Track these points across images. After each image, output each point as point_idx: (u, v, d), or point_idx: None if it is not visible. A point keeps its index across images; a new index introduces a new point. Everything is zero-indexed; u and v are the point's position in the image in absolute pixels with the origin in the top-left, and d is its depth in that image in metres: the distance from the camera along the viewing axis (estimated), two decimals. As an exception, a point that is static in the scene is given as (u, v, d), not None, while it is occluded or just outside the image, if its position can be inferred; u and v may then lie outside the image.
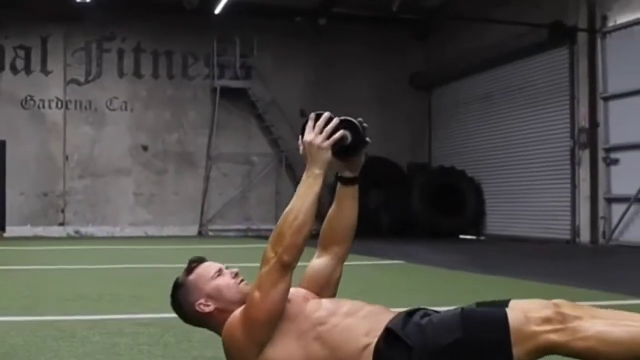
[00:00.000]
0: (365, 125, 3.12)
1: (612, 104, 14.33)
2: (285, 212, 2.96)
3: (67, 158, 18.78)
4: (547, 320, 2.75)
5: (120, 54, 19.16)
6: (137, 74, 19.23)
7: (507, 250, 13.75)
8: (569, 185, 15.33)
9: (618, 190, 14.15)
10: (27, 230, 18.31)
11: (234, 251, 13.93)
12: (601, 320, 2.78)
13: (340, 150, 3.06)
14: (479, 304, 3.02)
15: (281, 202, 19.64)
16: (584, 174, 14.86)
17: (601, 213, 14.47)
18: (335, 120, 3.05)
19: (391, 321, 2.97)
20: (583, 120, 14.89)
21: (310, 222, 2.94)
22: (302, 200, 2.95)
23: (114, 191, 19.05)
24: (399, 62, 20.19)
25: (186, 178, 19.42)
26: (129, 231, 18.92)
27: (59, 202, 18.80)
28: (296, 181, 18.75)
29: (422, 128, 20.63)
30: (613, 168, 14.30)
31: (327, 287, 3.26)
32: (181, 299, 3.18)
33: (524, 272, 8.98)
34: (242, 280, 3.17)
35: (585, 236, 14.78)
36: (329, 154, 3.01)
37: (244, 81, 19.35)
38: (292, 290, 3.04)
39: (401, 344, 2.88)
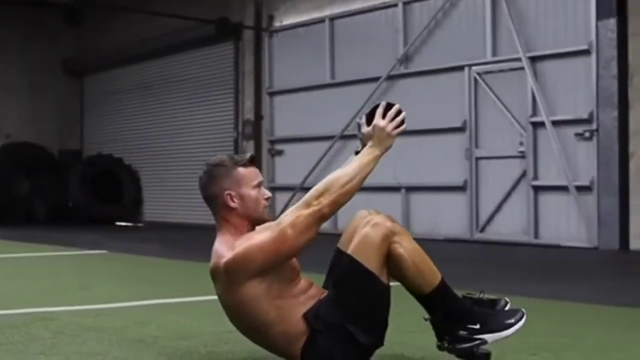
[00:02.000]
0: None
1: (277, 99, 15.31)
2: (337, 173, 3.33)
3: None
4: (386, 237, 3.37)
5: None
6: None
7: (187, 237, 14.26)
8: (232, 174, 16.07)
9: (282, 179, 15.16)
10: None
11: None
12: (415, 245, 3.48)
13: None
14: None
15: None
16: (249, 163, 15.67)
17: (265, 201, 15.37)
18: (404, 113, 3.44)
19: (309, 309, 3.42)
20: (248, 113, 15.74)
21: (355, 192, 3.31)
22: (358, 170, 3.33)
23: None
24: (50, 47, 19.81)
25: None
26: None
27: None
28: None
29: (73, 114, 20.42)
30: (277, 159, 15.30)
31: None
32: (217, 177, 3.44)
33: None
34: (267, 206, 3.47)
35: (249, 222, 15.63)
36: (392, 142, 3.42)
37: None
38: None
39: (316, 331, 3.38)
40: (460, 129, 12.11)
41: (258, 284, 3.31)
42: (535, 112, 11.22)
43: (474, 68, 11.99)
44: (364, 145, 3.51)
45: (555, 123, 10.96)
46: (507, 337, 3.44)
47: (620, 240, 10.36)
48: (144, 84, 18.42)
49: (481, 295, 3.54)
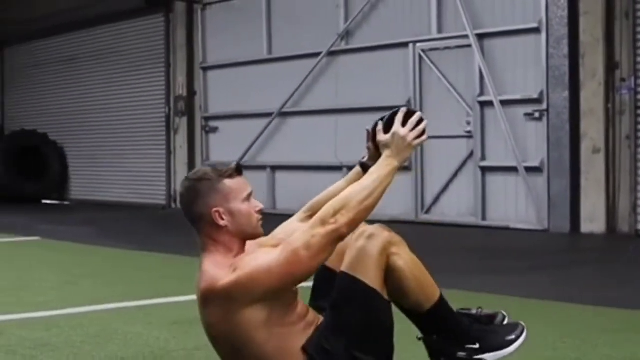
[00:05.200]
0: None
1: (211, 74, 14.78)
2: (358, 186, 2.95)
3: None
4: (384, 249, 3.07)
5: None
6: None
7: (122, 218, 13.77)
8: (164, 151, 15.58)
9: (217, 157, 14.68)
10: None
11: None
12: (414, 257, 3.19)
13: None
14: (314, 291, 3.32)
15: None
16: (181, 140, 15.21)
17: (197, 179, 14.91)
18: (425, 122, 3.08)
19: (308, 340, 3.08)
20: (180, 89, 15.19)
21: (373, 209, 2.95)
22: (377, 184, 2.95)
23: None
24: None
25: None
26: None
27: None
28: None
29: (-7, 88, 19.60)
30: (212, 135, 14.81)
31: None
32: (201, 193, 2.99)
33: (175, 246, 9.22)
34: (261, 219, 3.07)
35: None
36: (411, 152, 3.08)
37: None
38: None
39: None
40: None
41: (259, 311, 2.92)
42: (482, 91, 10.96)
43: (418, 45, 11.66)
44: (373, 156, 3.19)
45: (504, 102, 10.71)
46: (509, 354, 3.19)
47: (571, 223, 10.19)
48: (69, 56, 17.67)
49: (479, 312, 3.29)
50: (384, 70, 12.06)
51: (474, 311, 3.29)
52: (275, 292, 2.91)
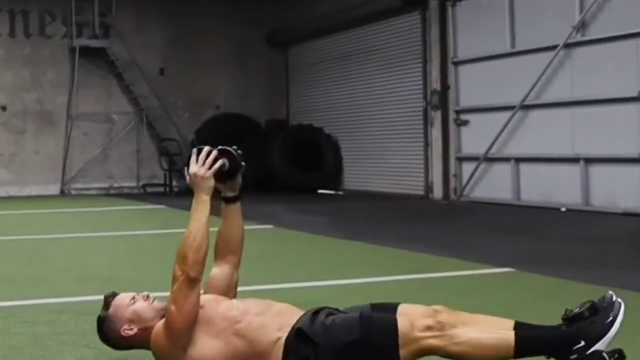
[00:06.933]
0: (240, 152, 3.70)
1: (462, 69, 15.18)
2: (184, 236, 3.51)
3: None
4: (428, 328, 3.37)
5: (-25, 13, 18.87)
6: (-7, 34, 19.03)
7: (367, 208, 14.53)
8: (422, 144, 16.19)
9: (468, 149, 15.07)
10: None
11: (95, 215, 14.16)
12: (472, 327, 3.43)
13: (221, 176, 3.65)
14: (374, 306, 3.63)
15: (142, 159, 19.88)
16: (436, 133, 15.73)
17: (453, 171, 15.39)
18: (215, 152, 3.61)
19: (299, 320, 3.52)
20: (435, 83, 15.72)
21: (207, 241, 3.51)
22: (196, 223, 3.53)
23: (-26, 152, 18.94)
24: (255, 19, 20.49)
25: (46, 137, 19.33)
26: (-10, 191, 18.84)
27: None
28: (157, 139, 18.91)
29: (279, 85, 21.11)
30: (463, 129, 15.20)
31: (229, 291, 3.81)
32: (107, 331, 3.72)
33: (383, 236, 9.76)
34: (154, 300, 3.71)
35: (438, 192, 15.69)
36: (212, 182, 3.59)
37: (102, 40, 19.30)
38: (203, 297, 3.59)
39: (308, 340, 3.43)
40: (637, 99, 11.59)
41: (195, 347, 3.50)
42: None
43: (649, 35, 11.42)
44: (225, 187, 3.80)
45: None
46: (615, 334, 3.33)
47: None
48: (342, 54, 18.73)
49: (578, 310, 3.41)
50: (616, 61, 11.90)
51: (576, 310, 3.41)
52: (180, 343, 3.48)
